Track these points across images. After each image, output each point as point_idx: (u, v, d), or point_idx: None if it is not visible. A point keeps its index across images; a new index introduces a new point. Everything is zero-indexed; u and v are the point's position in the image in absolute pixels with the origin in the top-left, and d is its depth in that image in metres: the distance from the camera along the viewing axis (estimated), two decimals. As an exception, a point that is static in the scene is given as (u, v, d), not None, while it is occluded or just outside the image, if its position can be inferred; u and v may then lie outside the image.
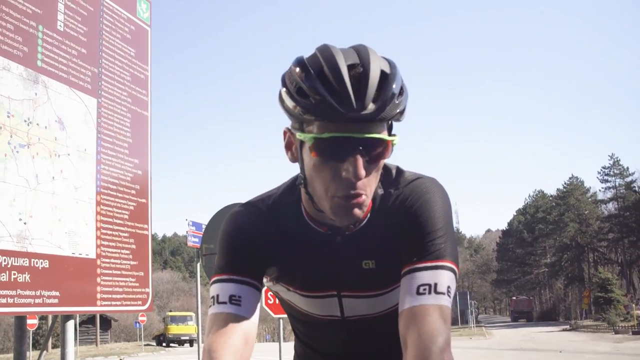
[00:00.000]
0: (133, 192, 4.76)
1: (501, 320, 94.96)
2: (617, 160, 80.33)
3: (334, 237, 1.58)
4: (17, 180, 3.78)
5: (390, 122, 1.43)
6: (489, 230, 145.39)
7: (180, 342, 51.59)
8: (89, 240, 4.29)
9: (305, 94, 1.35)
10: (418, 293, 1.41)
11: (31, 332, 29.11)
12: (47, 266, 3.91)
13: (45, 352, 5.02)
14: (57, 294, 3.96)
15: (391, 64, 1.40)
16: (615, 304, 52.76)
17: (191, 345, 49.93)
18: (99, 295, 4.34)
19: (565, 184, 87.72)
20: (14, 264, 3.68)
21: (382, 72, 1.36)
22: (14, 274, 3.67)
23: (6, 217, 3.69)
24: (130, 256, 4.69)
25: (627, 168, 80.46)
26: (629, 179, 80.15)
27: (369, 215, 1.57)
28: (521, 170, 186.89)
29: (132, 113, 4.82)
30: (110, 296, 4.44)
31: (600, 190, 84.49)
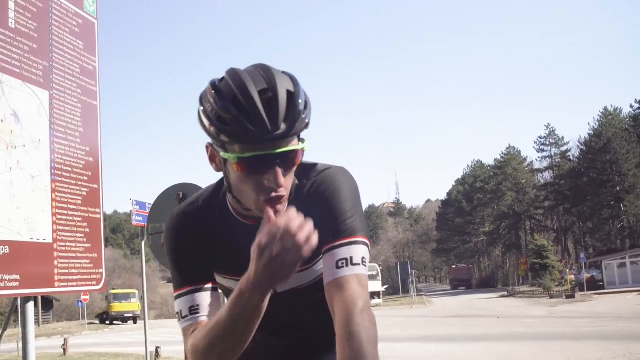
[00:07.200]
0: (85, 178, 4.98)
1: (441, 288, 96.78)
2: (553, 130, 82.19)
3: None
4: (-24, 172, 3.99)
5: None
6: (428, 201, 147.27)
7: (124, 320, 51.48)
8: (45, 226, 4.52)
9: (225, 121, 1.54)
10: (338, 267, 1.69)
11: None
12: (8, 252, 4.14)
13: (4, 332, 5.26)
14: (18, 277, 4.19)
15: (294, 81, 1.61)
16: (550, 270, 54.44)
17: (135, 322, 49.87)
18: (56, 277, 4.58)
19: (502, 154, 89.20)
20: (-24, 250, 3.92)
21: (288, 92, 1.57)
22: (-23, 260, 3.91)
23: (-33, 207, 3.92)
24: (85, 239, 4.92)
25: (563, 138, 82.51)
26: (564, 149, 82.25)
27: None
28: (460, 140, 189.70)
29: (82, 103, 5.03)
30: (67, 277, 4.68)
31: (536, 159, 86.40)
